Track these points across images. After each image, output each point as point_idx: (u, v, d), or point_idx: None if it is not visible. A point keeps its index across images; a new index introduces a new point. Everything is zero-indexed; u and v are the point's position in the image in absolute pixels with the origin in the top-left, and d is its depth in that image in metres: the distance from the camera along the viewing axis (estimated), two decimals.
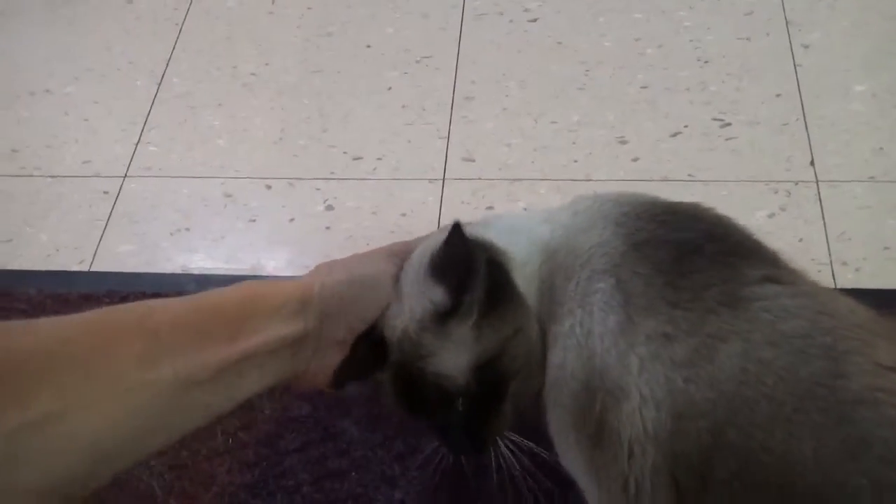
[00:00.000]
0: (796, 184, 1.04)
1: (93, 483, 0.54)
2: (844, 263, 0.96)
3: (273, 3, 1.32)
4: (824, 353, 0.54)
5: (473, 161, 1.10)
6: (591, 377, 0.58)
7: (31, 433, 0.50)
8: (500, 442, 0.63)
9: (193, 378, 0.57)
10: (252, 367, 0.60)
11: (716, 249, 0.60)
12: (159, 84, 1.24)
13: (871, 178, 1.03)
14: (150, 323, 0.58)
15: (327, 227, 1.06)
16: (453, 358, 0.61)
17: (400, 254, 0.67)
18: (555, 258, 0.64)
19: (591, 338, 0.59)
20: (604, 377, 0.57)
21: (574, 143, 1.10)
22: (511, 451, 0.63)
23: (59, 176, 1.16)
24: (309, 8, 1.30)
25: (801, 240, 0.99)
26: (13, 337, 0.54)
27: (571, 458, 0.62)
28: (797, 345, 0.55)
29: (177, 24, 1.30)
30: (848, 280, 0.94)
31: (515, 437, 0.63)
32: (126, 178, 1.14)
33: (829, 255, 0.97)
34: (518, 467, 0.62)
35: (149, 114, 1.21)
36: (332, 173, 1.11)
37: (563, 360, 0.61)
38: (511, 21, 1.24)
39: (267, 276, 1.03)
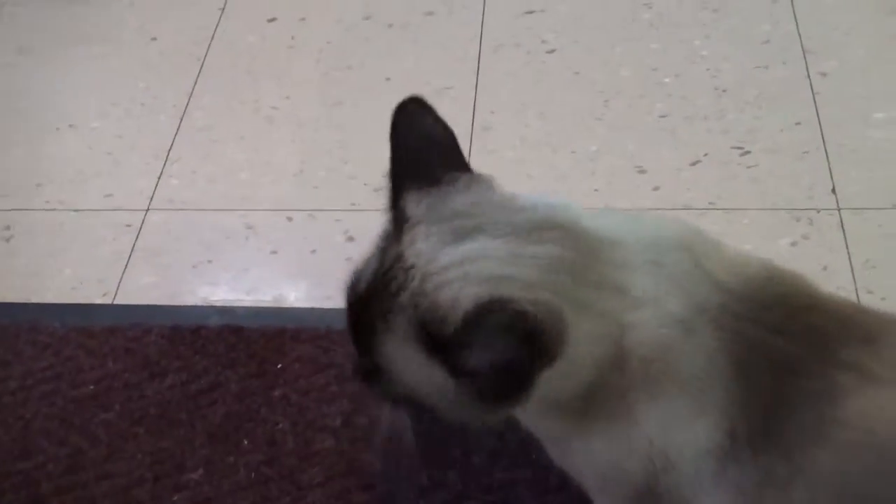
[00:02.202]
0: (818, 212, 1.03)
1: None
2: (870, 292, 0.95)
3: (293, 38, 1.34)
4: None
5: None
6: (655, 485, 0.57)
7: None
8: None
9: None
10: None
11: None
12: (181, 118, 1.26)
13: (895, 205, 1.02)
14: None
15: (348, 259, 1.06)
16: (410, 370, 0.53)
17: None
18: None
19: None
20: (672, 492, 0.57)
21: (594, 172, 1.11)
22: None
23: (82, 210, 1.18)
24: (328, 42, 1.32)
25: (825, 268, 0.98)
26: None
27: None
28: None
29: (199, 59, 1.33)
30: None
31: None
32: (149, 212, 1.16)
33: (855, 283, 0.96)
34: None
35: (171, 147, 1.23)
36: (353, 204, 1.12)
37: (618, 459, 0.57)
38: (528, 52, 1.26)
39: (288, 308, 1.03)
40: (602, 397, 0.54)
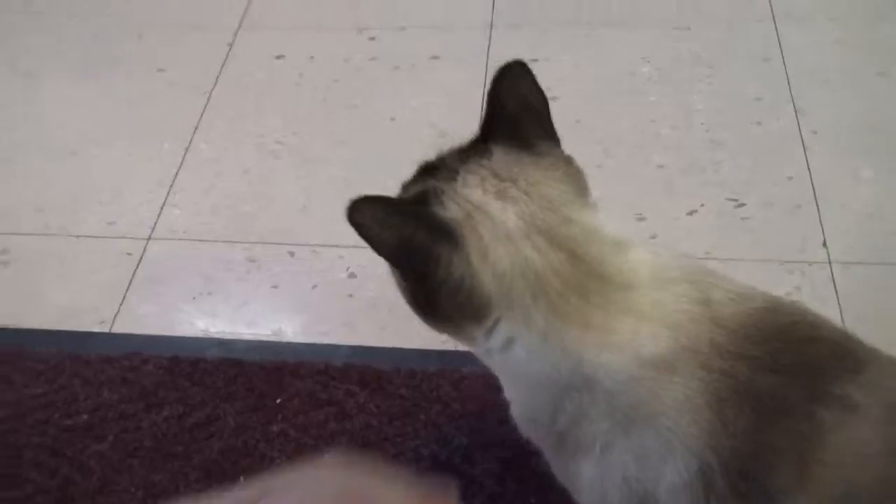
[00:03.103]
0: (810, 264, 1.06)
1: None
2: None
3: (300, 75, 1.36)
4: None
5: None
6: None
7: None
8: None
9: None
10: None
11: None
12: (186, 149, 1.27)
13: (883, 261, 1.06)
14: None
15: (350, 295, 1.07)
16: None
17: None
18: None
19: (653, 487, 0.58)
20: None
21: None
22: None
23: (82, 236, 1.18)
24: (335, 80, 1.35)
25: None
26: None
27: None
28: None
29: (205, 93, 1.35)
30: None
31: None
32: (150, 241, 1.16)
33: None
34: None
35: (175, 177, 1.23)
36: (357, 242, 1.12)
37: (600, 481, 0.60)
38: None
39: (288, 343, 1.03)
40: (575, 420, 0.58)
